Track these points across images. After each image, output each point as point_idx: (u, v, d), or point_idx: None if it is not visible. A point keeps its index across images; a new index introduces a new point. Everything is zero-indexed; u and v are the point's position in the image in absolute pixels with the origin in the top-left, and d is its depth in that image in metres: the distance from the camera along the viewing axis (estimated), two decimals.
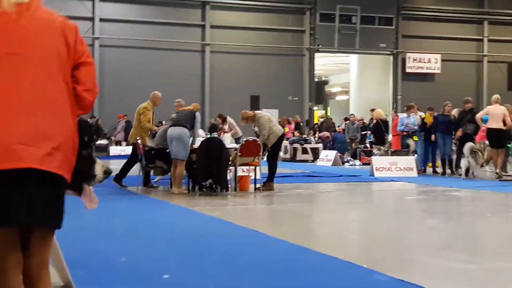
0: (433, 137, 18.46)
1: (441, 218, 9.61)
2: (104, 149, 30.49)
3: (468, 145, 16.81)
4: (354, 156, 26.34)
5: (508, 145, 17.32)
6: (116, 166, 15.55)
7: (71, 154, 3.03)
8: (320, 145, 28.29)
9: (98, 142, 31.47)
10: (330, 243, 7.34)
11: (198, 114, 13.06)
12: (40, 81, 2.96)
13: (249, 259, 5.98)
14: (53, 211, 2.95)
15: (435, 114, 18.75)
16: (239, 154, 12.77)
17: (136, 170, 13.94)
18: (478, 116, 17.51)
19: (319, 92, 49.52)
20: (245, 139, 13.60)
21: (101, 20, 33.90)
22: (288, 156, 27.85)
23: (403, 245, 7.07)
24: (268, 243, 6.94)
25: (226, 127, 19.13)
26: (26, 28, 2.99)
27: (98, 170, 3.32)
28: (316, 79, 43.11)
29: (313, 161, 26.59)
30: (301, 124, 34.54)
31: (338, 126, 32.56)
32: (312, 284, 5.05)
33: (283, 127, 31.04)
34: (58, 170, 2.91)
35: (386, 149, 19.53)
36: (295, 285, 5.00)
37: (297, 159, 27.22)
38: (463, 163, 17.10)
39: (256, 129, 13.61)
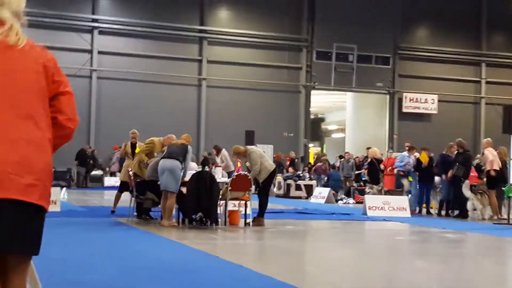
0: (443, 176, 18.42)
1: (430, 259, 9.52)
2: (99, 179, 30.42)
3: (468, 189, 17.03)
4: (348, 194, 26.27)
5: (503, 188, 17.28)
6: (110, 196, 15.56)
7: (49, 184, 3.09)
8: (314, 182, 28.24)
9: (93, 172, 31.45)
10: (315, 281, 7.28)
11: (190, 148, 13.05)
12: (22, 111, 2.99)
13: None
14: (33, 239, 3.01)
15: (444, 153, 18.72)
16: (229, 188, 12.72)
17: (127, 201, 13.89)
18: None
19: (315, 129, 49.67)
20: (236, 173, 13.58)
21: (100, 52, 34.08)
22: (281, 192, 27.80)
23: (389, 286, 6.98)
24: (251, 278, 6.86)
25: (218, 159, 19.11)
26: (13, 58, 3.03)
27: None
28: (312, 116, 43.25)
29: (306, 197, 26.52)
30: (296, 160, 34.53)
31: (334, 164, 32.52)
32: None
33: (279, 162, 31.12)
34: (38, 201, 2.98)
35: (380, 188, 19.49)
36: None
37: (291, 195, 27.16)
38: (469, 205, 17.12)
39: (248, 164, 13.60)
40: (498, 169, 17.42)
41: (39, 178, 2.97)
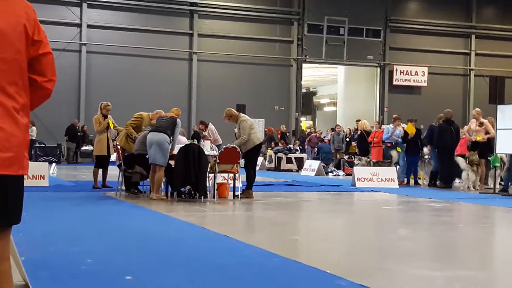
0: (426, 149, 18.67)
1: (414, 227, 9.66)
2: (89, 155, 30.44)
3: (462, 160, 17.21)
4: (338, 167, 26.42)
5: (489, 158, 17.43)
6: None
7: (26, 151, 3.10)
8: (304, 155, 28.37)
9: (83, 148, 31.46)
10: (299, 249, 7.39)
11: (179, 121, 13.05)
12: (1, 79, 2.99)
13: (212, 263, 5.98)
14: (14, 209, 3.03)
15: (433, 124, 18.84)
16: (218, 161, 12.79)
17: (115, 175, 13.94)
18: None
19: (307, 103, 49.71)
20: (224, 146, 13.63)
21: (89, 26, 33.92)
22: (272, 165, 27.91)
23: (371, 253, 7.10)
24: (236, 248, 6.94)
25: (206, 133, 19.14)
26: None
27: None
28: (304, 90, 43.27)
29: (297, 170, 26.64)
30: (287, 134, 34.66)
31: (325, 137, 32.67)
32: (271, 287, 5.07)
33: (271, 136, 31.24)
34: (17, 171, 3.00)
35: (368, 160, 19.59)
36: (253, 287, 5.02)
37: (282, 168, 27.26)
38: (464, 176, 17.28)
39: (236, 130, 13.58)
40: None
41: (17, 150, 2.99)
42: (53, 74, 3.20)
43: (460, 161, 17.37)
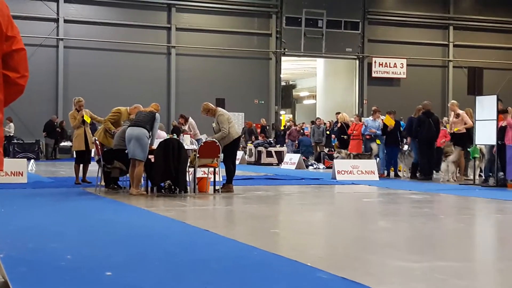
0: (407, 140, 18.84)
1: (394, 219, 9.72)
2: (68, 151, 30.24)
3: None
4: (318, 160, 26.48)
5: (469, 149, 17.56)
6: None
7: (1, 147, 3.14)
8: (284, 148, 28.41)
9: (62, 143, 31.24)
10: (280, 243, 7.39)
11: (158, 115, 12.99)
12: None
13: (193, 257, 5.96)
14: None
15: (413, 116, 18.94)
16: (198, 155, 12.75)
17: (95, 171, 13.86)
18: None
19: (287, 96, 49.72)
20: (204, 140, 13.59)
21: (66, 21, 33.65)
22: (252, 159, 27.91)
23: (352, 245, 7.12)
24: (216, 242, 6.93)
25: (186, 127, 19.07)
26: None
27: None
28: (283, 83, 43.26)
29: (277, 164, 26.67)
30: (267, 128, 34.67)
31: (304, 130, 32.72)
32: (251, 280, 5.06)
33: (250, 130, 31.23)
34: None
35: (348, 152, 19.65)
36: (232, 281, 5.00)
37: (262, 162, 27.28)
38: (444, 167, 17.40)
39: (214, 125, 13.53)
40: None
41: None
42: (25, 70, 3.19)
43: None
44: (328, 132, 28.93)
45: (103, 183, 13.50)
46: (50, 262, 5.63)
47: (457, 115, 18.15)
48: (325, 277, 5.14)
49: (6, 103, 3.15)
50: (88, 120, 15.02)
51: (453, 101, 18.94)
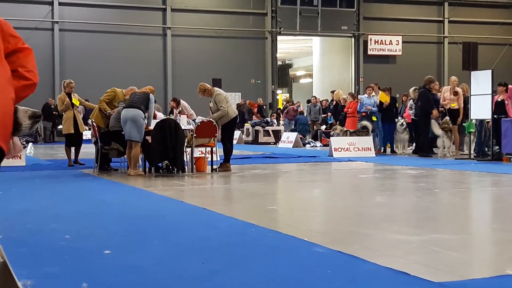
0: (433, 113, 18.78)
1: (390, 194, 9.77)
2: None
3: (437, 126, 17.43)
4: (315, 138, 26.54)
5: (464, 124, 17.62)
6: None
7: (10, 126, 3.07)
8: (282, 127, 28.45)
9: (60, 126, 31.19)
10: (277, 219, 7.44)
11: (152, 96, 13.02)
12: None
13: (191, 235, 6.02)
14: None
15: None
16: (195, 135, 12.79)
17: (92, 152, 13.89)
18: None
19: (283, 76, 49.65)
20: (200, 120, 13.62)
21: (60, 4, 33.49)
22: (250, 138, 27.96)
23: (348, 220, 7.18)
24: (214, 220, 6.98)
25: (178, 111, 19.02)
26: None
27: (22, 117, 3.12)
28: (279, 63, 43.15)
29: (275, 143, 26.73)
30: (264, 107, 34.67)
31: (299, 108, 32.74)
32: (249, 256, 5.11)
33: (249, 109, 31.23)
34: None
35: (345, 129, 19.69)
36: (231, 258, 5.06)
37: (259, 141, 27.33)
38: (439, 143, 17.48)
39: (211, 104, 13.54)
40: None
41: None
42: (34, 67, 3.25)
43: (435, 127, 17.53)
44: (325, 114, 28.94)
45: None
46: (49, 242, 5.68)
47: (455, 93, 18.17)
48: (322, 251, 5.20)
49: (18, 99, 3.17)
50: (77, 103, 15.07)
51: (454, 77, 18.93)
